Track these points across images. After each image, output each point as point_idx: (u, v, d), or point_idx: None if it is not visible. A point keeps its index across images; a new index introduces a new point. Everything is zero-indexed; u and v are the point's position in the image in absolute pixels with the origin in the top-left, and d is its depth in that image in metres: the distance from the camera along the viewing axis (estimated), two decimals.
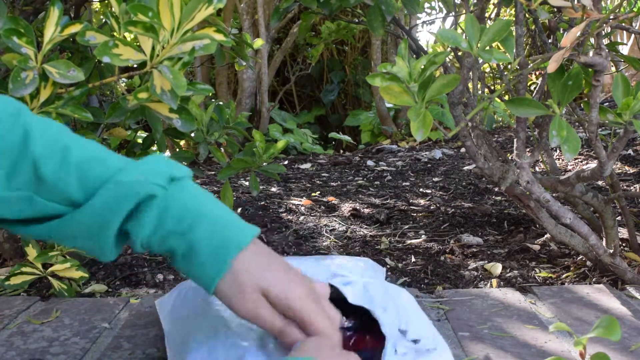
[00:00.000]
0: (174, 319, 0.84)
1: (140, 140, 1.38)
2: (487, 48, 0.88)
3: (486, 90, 1.63)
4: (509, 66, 0.99)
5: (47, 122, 0.63)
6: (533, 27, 1.43)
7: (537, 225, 1.59)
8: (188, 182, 0.64)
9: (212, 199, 0.65)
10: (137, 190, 0.59)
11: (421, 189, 2.24)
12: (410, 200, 2.04)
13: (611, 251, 1.16)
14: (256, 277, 0.63)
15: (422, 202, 2.02)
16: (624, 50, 3.69)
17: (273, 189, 2.29)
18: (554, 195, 1.20)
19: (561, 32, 1.28)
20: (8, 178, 0.59)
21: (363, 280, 0.80)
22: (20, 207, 0.59)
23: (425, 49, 1.41)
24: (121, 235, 0.62)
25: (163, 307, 0.91)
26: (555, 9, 1.06)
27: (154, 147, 1.32)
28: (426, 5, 3.16)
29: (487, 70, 3.26)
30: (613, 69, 1.83)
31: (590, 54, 0.99)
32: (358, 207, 1.91)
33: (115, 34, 0.90)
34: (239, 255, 0.62)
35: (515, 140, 1.10)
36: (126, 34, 0.86)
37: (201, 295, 0.81)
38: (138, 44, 0.83)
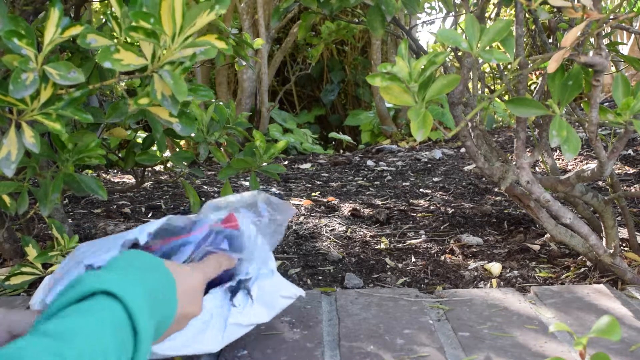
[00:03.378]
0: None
1: (140, 140, 1.38)
2: (487, 48, 0.88)
3: (486, 90, 1.63)
4: (509, 66, 0.99)
5: None
6: (533, 27, 1.43)
7: (537, 225, 1.59)
8: None
9: None
10: None
11: (421, 189, 2.24)
12: (410, 200, 2.04)
13: (611, 251, 1.16)
14: None
15: (422, 202, 2.02)
16: (624, 50, 3.69)
17: (273, 189, 2.29)
18: (554, 195, 1.20)
19: (561, 32, 1.28)
20: None
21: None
22: None
23: (425, 49, 1.41)
24: None
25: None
26: (555, 9, 1.06)
27: (154, 147, 1.32)
28: (426, 5, 3.16)
29: (487, 70, 3.26)
30: (613, 69, 1.83)
31: (590, 54, 0.99)
32: (358, 207, 1.91)
33: (115, 34, 0.90)
34: None
35: (515, 140, 1.10)
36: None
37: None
38: (138, 44, 0.83)
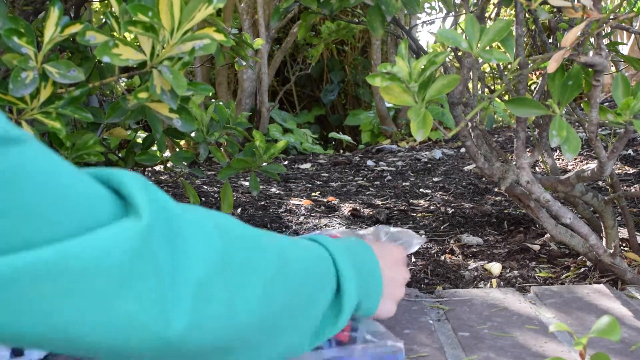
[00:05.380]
0: None
1: (140, 140, 1.38)
2: (487, 48, 0.88)
3: (486, 90, 1.63)
4: (509, 66, 0.99)
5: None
6: (533, 27, 1.43)
7: (537, 225, 1.59)
8: None
9: None
10: None
11: (421, 189, 2.24)
12: (410, 200, 2.04)
13: (611, 251, 1.16)
14: None
15: (422, 202, 2.02)
16: (624, 50, 3.69)
17: (273, 189, 2.29)
18: (554, 195, 1.20)
19: (561, 32, 1.28)
20: None
21: None
22: None
23: (425, 49, 1.41)
24: None
25: None
26: (555, 9, 1.06)
27: (154, 147, 1.32)
28: (426, 5, 3.16)
29: (487, 70, 3.26)
30: (613, 69, 1.83)
31: (590, 54, 0.99)
32: (358, 207, 1.91)
33: (115, 34, 0.90)
34: None
35: (515, 140, 1.10)
36: (126, 34, 0.86)
37: None
38: (138, 43, 0.83)
